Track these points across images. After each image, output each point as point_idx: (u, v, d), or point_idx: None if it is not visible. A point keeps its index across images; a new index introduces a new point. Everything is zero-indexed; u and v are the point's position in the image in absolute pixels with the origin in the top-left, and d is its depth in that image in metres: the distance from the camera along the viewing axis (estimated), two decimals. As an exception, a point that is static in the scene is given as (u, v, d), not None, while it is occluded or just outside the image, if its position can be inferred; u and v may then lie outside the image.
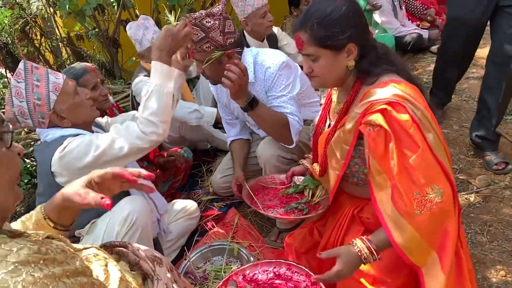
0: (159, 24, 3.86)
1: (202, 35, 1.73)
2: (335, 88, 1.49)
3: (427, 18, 4.78)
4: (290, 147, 1.88)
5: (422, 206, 1.17)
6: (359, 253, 1.22)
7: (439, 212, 1.18)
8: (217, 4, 1.79)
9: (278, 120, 1.82)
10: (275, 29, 3.18)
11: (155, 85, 1.57)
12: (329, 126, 1.47)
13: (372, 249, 1.22)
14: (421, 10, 4.77)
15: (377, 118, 1.19)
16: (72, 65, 2.17)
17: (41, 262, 0.72)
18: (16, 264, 0.69)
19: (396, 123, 1.18)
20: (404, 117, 1.18)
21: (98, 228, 1.58)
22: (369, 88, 1.27)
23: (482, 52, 3.71)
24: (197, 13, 1.75)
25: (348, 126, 1.29)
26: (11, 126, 0.84)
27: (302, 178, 1.69)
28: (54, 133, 1.64)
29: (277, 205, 1.63)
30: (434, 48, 4.58)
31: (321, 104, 1.83)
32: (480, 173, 2.45)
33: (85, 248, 1.02)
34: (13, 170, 0.83)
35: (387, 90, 1.22)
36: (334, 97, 1.49)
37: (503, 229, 2.03)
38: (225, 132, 2.89)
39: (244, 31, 2.96)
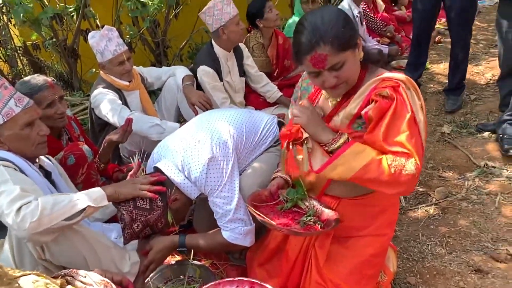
0: (120, 35, 3.78)
1: (148, 229, 1.71)
2: None
3: (386, 34, 4.95)
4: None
5: (394, 161, 1.28)
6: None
7: (397, 177, 1.27)
8: (118, 214, 1.66)
9: (219, 248, 1.87)
10: (241, 45, 3.18)
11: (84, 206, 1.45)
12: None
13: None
14: (381, 26, 4.94)
15: (388, 90, 1.32)
16: (30, 78, 2.06)
17: None
18: None
19: (403, 99, 1.31)
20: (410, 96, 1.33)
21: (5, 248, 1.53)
22: (377, 74, 1.40)
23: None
24: (125, 235, 1.68)
25: (353, 104, 1.40)
26: None
27: (285, 191, 1.64)
28: None
29: (289, 222, 1.53)
30: (394, 63, 4.74)
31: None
32: (439, 185, 2.53)
33: (23, 275, 0.96)
34: None
35: (399, 74, 1.37)
36: (325, 93, 1.54)
37: (460, 240, 2.09)
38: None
39: (213, 42, 2.95)
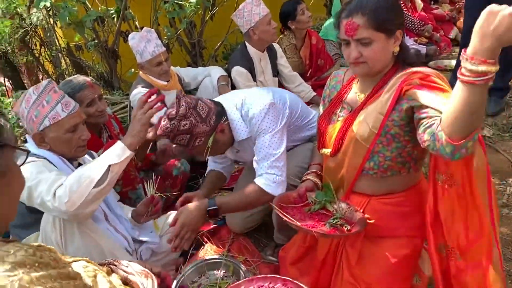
0: (158, 36, 3.89)
1: (188, 137, 1.72)
2: (356, 79, 1.58)
3: (424, 34, 4.82)
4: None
5: None
6: None
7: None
8: (176, 101, 1.72)
9: (250, 198, 1.78)
10: (275, 45, 3.21)
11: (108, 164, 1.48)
12: (343, 111, 1.56)
13: None
14: (419, 26, 4.82)
15: (417, 80, 1.31)
16: (71, 78, 2.17)
17: (36, 264, 0.75)
18: (14, 264, 0.72)
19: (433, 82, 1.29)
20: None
21: None
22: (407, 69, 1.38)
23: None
24: (165, 125, 1.70)
25: (386, 96, 1.38)
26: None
27: (313, 194, 1.65)
28: (30, 148, 1.65)
29: (315, 224, 1.53)
30: (432, 63, 4.61)
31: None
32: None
33: (74, 261, 1.03)
34: (22, 183, 0.94)
35: (430, 69, 1.35)
36: (355, 87, 1.55)
37: (502, 248, 2.01)
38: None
39: (246, 43, 2.99)
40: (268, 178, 1.76)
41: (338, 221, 1.51)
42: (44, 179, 1.50)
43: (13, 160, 0.89)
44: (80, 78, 2.17)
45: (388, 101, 1.37)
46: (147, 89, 2.61)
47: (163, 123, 1.72)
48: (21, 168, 1.50)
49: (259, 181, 1.77)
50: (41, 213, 1.57)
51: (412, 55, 1.46)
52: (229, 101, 1.89)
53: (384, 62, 1.43)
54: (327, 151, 1.57)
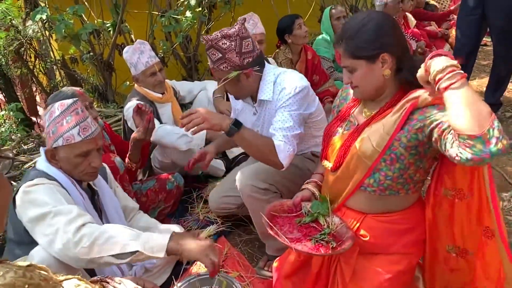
0: (154, 50, 3.90)
1: (219, 56, 1.77)
2: None
3: (417, 50, 4.89)
4: (281, 170, 1.84)
5: None
6: None
7: None
8: (235, 23, 1.80)
9: (264, 145, 1.78)
10: (270, 60, 3.22)
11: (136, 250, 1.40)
12: (350, 125, 1.55)
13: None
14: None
15: (427, 97, 1.29)
16: (61, 90, 2.16)
17: (26, 286, 0.74)
18: (3, 287, 0.70)
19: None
20: None
21: None
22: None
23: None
24: (213, 34, 1.78)
25: (394, 116, 1.36)
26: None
27: (309, 203, 1.63)
28: (41, 164, 1.64)
29: (301, 238, 1.51)
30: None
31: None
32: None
33: (66, 279, 1.01)
34: (8, 193, 0.91)
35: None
36: (363, 103, 1.54)
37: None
38: (217, 159, 2.89)
39: None
40: (284, 142, 1.77)
41: (325, 237, 1.48)
42: (65, 210, 1.46)
43: None
44: (69, 88, 2.16)
45: (396, 121, 1.35)
46: (141, 102, 2.62)
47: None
48: (34, 189, 1.51)
49: (275, 140, 1.79)
50: None
51: (406, 76, 1.40)
52: (272, 66, 1.96)
53: (376, 86, 1.41)
54: (328, 164, 1.56)
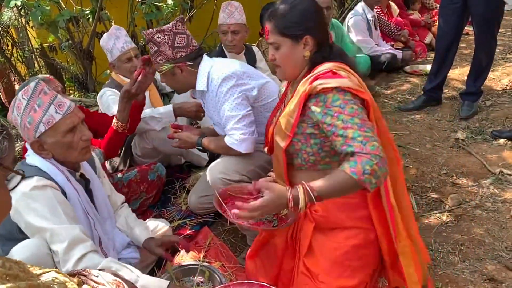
0: (135, 38, 3.82)
1: (155, 49, 1.95)
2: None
3: (400, 39, 4.92)
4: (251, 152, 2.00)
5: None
6: (289, 194, 1.31)
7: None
8: (173, 20, 1.97)
9: (223, 148, 2.02)
10: (254, 48, 3.19)
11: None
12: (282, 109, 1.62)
13: (310, 194, 1.31)
14: (395, 31, 4.91)
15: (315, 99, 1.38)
16: (24, 83, 2.08)
17: (5, 276, 0.73)
18: None
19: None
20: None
21: None
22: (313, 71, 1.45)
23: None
24: (150, 29, 1.97)
25: (294, 101, 1.43)
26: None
27: None
28: (33, 158, 1.55)
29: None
30: (408, 68, 4.69)
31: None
32: (452, 192, 2.49)
33: (44, 273, 0.98)
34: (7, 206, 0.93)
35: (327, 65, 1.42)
36: (290, 90, 1.62)
37: (474, 248, 2.05)
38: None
39: (223, 45, 3.00)
40: (231, 137, 1.96)
41: (268, 217, 1.57)
42: (64, 234, 1.42)
43: (2, 182, 0.83)
44: (39, 76, 2.07)
45: (296, 108, 1.41)
46: (112, 90, 2.56)
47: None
48: (35, 194, 1.43)
49: (226, 139, 1.99)
50: None
51: (327, 58, 1.46)
52: (211, 59, 2.07)
53: (295, 66, 1.50)
54: (265, 149, 1.65)
